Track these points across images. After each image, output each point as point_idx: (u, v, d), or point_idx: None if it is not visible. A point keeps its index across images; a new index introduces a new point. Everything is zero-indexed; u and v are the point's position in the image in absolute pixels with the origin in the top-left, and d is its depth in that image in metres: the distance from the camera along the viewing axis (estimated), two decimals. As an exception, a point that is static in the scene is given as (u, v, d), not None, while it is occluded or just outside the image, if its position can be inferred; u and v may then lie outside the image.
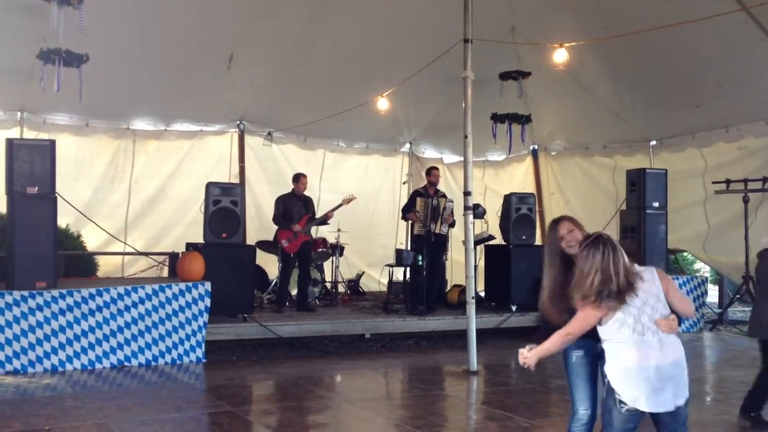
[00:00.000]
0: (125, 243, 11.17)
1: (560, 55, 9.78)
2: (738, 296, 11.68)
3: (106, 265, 11.37)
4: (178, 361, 8.17)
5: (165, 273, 10.98)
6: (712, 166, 11.51)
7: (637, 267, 3.78)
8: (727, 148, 11.40)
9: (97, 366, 7.80)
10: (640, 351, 3.67)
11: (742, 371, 7.74)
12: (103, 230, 10.81)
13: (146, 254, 11.23)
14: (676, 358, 3.70)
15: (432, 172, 10.72)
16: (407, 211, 10.47)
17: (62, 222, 9.71)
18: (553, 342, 3.88)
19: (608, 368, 3.77)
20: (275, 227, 10.42)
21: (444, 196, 10.56)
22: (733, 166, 11.17)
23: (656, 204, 10.77)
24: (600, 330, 3.79)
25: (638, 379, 3.66)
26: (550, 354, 3.92)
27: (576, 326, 3.80)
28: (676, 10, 8.98)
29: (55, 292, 7.63)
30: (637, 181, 10.90)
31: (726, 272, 12.24)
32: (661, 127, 12.16)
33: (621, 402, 3.70)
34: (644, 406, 3.66)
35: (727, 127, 11.30)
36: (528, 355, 3.90)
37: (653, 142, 12.64)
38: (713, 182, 11.20)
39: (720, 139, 11.49)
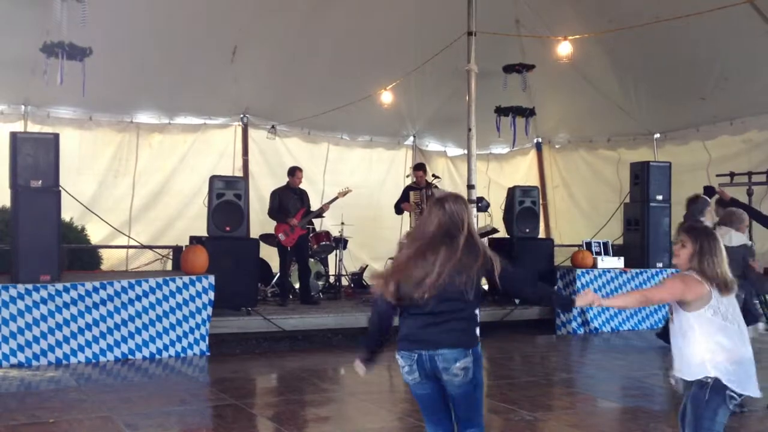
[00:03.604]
0: (129, 236, 11.19)
1: (564, 48, 9.75)
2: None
3: (110, 259, 11.38)
4: (182, 354, 8.19)
5: (169, 266, 10.98)
6: (716, 159, 11.48)
7: None
8: (732, 141, 11.38)
9: (101, 359, 7.82)
10: (742, 338, 3.75)
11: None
12: (107, 224, 10.82)
13: (150, 248, 11.24)
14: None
15: (416, 173, 10.75)
16: (399, 205, 10.51)
17: (66, 215, 9.71)
18: (627, 299, 3.92)
19: (712, 364, 3.71)
20: (275, 221, 10.42)
21: (437, 187, 10.55)
22: (737, 159, 11.14)
23: (660, 197, 10.76)
24: (687, 317, 3.76)
25: (750, 366, 3.74)
26: (617, 307, 3.93)
27: (660, 292, 3.86)
28: (680, 2, 8.94)
29: (59, 285, 7.65)
30: (640, 174, 10.88)
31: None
32: (665, 120, 12.13)
33: (732, 397, 3.71)
34: (755, 392, 3.73)
35: (731, 120, 11.27)
36: (598, 299, 3.74)
37: (657, 135, 12.61)
38: (717, 175, 11.15)
39: (724, 132, 11.46)
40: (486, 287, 10.95)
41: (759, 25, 9.23)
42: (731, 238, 6.34)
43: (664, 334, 6.56)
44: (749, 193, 10.59)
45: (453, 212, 3.59)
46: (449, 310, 3.53)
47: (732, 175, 10.93)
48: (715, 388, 3.69)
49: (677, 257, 3.90)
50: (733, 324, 3.77)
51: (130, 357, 7.97)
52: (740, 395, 3.73)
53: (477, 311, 3.74)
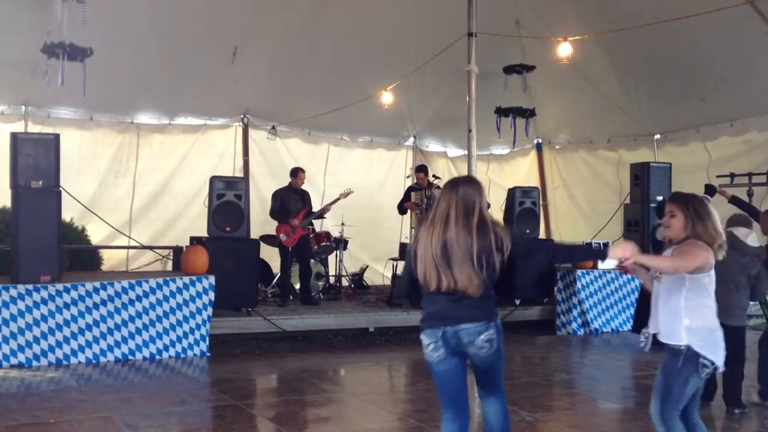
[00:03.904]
0: (129, 237, 11.20)
1: (564, 49, 9.77)
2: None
3: (110, 259, 11.40)
4: (182, 355, 8.19)
5: (169, 267, 11.00)
6: (716, 160, 11.47)
7: None
8: (732, 142, 11.37)
9: (102, 359, 7.82)
10: (714, 312, 3.83)
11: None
12: (108, 224, 10.83)
13: (150, 248, 11.26)
14: None
15: (417, 174, 10.77)
16: (402, 205, 10.53)
17: (66, 216, 9.73)
18: (659, 262, 3.86)
19: (689, 330, 3.77)
20: (276, 221, 10.42)
21: (438, 187, 10.56)
22: (737, 160, 11.12)
23: (660, 198, 10.75)
24: (683, 279, 3.79)
25: (720, 334, 3.82)
26: (653, 267, 3.85)
27: (693, 262, 3.75)
28: (680, 3, 8.95)
29: (60, 286, 7.65)
30: (641, 174, 10.88)
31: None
32: (665, 120, 12.12)
33: (705, 365, 3.75)
34: (721, 362, 3.80)
35: (731, 121, 11.26)
36: (634, 254, 3.69)
37: (657, 136, 12.60)
38: (717, 176, 11.14)
39: (724, 133, 11.45)
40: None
41: (759, 26, 9.23)
42: (754, 238, 6.31)
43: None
44: (749, 194, 10.56)
45: (466, 195, 3.71)
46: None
47: (732, 176, 10.91)
48: (688, 356, 3.73)
49: (669, 228, 3.89)
50: (714, 290, 3.82)
51: (130, 357, 7.96)
52: (712, 363, 3.76)
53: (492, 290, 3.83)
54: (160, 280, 8.18)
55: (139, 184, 11.74)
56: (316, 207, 10.82)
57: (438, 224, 3.69)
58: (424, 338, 3.78)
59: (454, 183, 3.81)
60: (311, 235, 10.90)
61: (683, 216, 3.83)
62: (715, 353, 3.76)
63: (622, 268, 3.77)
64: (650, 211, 10.64)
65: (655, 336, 3.96)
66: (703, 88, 10.80)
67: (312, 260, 10.87)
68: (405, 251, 3.93)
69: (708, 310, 3.82)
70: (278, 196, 10.43)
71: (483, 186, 3.87)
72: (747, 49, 9.80)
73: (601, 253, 3.82)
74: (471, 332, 3.68)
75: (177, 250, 10.50)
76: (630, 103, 11.92)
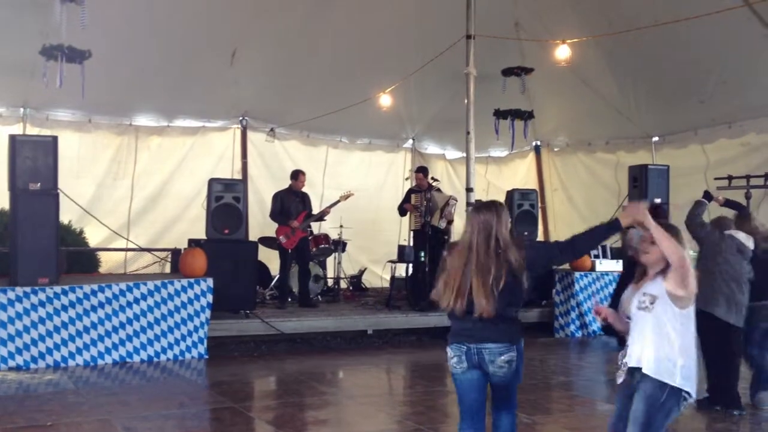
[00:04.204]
0: (128, 239, 11.19)
1: (563, 52, 9.78)
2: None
3: (108, 262, 11.38)
4: (181, 357, 8.18)
5: (167, 269, 10.98)
6: (714, 162, 11.47)
7: None
8: (730, 144, 11.37)
9: (100, 362, 7.82)
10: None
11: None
12: (106, 226, 10.82)
13: (149, 250, 11.25)
14: None
15: (416, 175, 10.78)
16: (402, 207, 10.53)
17: (64, 218, 9.72)
18: (668, 243, 3.67)
19: (680, 369, 3.69)
20: (275, 224, 10.41)
21: (439, 189, 10.56)
22: (735, 163, 11.12)
23: (658, 200, 10.76)
24: (674, 312, 3.70)
25: (696, 368, 3.78)
26: (657, 238, 3.72)
27: (689, 274, 3.64)
28: (679, 6, 8.96)
29: (58, 288, 7.65)
30: (639, 177, 10.88)
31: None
32: (663, 123, 12.13)
33: (685, 399, 3.72)
34: (695, 391, 3.75)
35: (729, 123, 11.25)
36: (646, 215, 3.73)
37: (656, 138, 12.60)
38: (715, 178, 11.15)
39: (722, 135, 11.45)
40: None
41: (757, 29, 9.24)
42: (751, 241, 6.41)
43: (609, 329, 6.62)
44: (747, 197, 10.57)
45: (486, 221, 3.91)
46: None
47: (730, 178, 10.92)
48: (673, 391, 3.67)
49: (647, 254, 3.79)
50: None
51: (128, 360, 7.96)
52: (690, 394, 3.71)
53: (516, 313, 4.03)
54: (158, 283, 8.18)
55: (138, 186, 11.71)
56: (315, 209, 10.81)
57: (463, 250, 3.89)
58: (450, 351, 4.00)
59: (477, 209, 4.04)
60: (310, 237, 10.90)
61: None
62: (692, 384, 3.71)
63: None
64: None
65: (607, 327, 3.93)
66: (702, 91, 10.80)
67: (310, 262, 10.86)
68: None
69: (693, 344, 3.75)
70: (278, 198, 10.42)
71: (502, 209, 4.00)
72: (745, 52, 9.81)
73: (616, 223, 3.89)
74: (493, 352, 3.88)
75: (175, 253, 10.49)
76: (628, 105, 11.93)
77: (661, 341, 3.69)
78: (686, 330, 3.72)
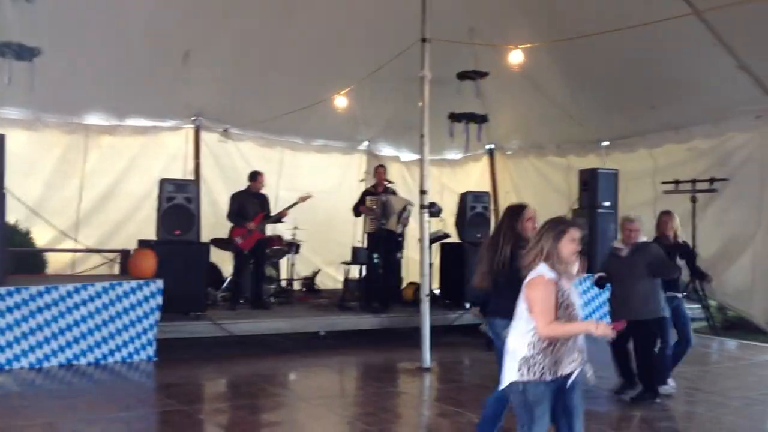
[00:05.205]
0: (76, 240, 10.99)
1: (516, 57, 9.88)
2: (685, 293, 11.90)
3: (56, 263, 11.16)
4: (129, 360, 8.07)
5: (116, 270, 10.82)
6: (662, 167, 11.71)
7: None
8: (677, 149, 11.61)
9: (46, 365, 7.67)
10: None
11: (692, 367, 7.91)
12: (53, 227, 10.62)
13: (97, 251, 11.08)
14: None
15: (377, 170, 10.80)
16: (357, 208, 10.52)
17: (11, 218, 9.53)
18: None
19: None
20: (231, 224, 10.33)
21: (394, 192, 10.59)
22: (682, 167, 11.38)
23: (607, 203, 10.97)
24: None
25: None
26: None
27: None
28: (630, 13, 9.12)
29: (3, 290, 7.48)
30: (589, 180, 11.09)
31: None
32: (613, 127, 12.32)
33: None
34: None
35: (676, 129, 11.50)
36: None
37: (605, 143, 12.81)
38: (662, 182, 11.41)
39: (670, 141, 11.68)
40: (438, 291, 11.10)
41: (705, 37, 9.45)
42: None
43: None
44: (693, 200, 10.85)
45: (500, 221, 5.44)
46: (496, 291, 5.06)
47: (677, 182, 11.19)
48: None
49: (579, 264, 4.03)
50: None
51: (75, 363, 7.82)
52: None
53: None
54: (107, 284, 8.06)
55: (87, 186, 11.49)
56: (273, 211, 10.76)
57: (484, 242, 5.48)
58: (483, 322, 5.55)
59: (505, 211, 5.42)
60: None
61: None
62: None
63: None
64: (598, 217, 10.85)
65: None
66: (651, 97, 11.01)
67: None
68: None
69: None
70: (236, 199, 10.34)
71: (514, 211, 5.28)
72: (693, 59, 10.02)
73: None
74: (498, 324, 4.91)
75: (125, 254, 10.34)
76: (579, 110, 12.09)
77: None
78: None
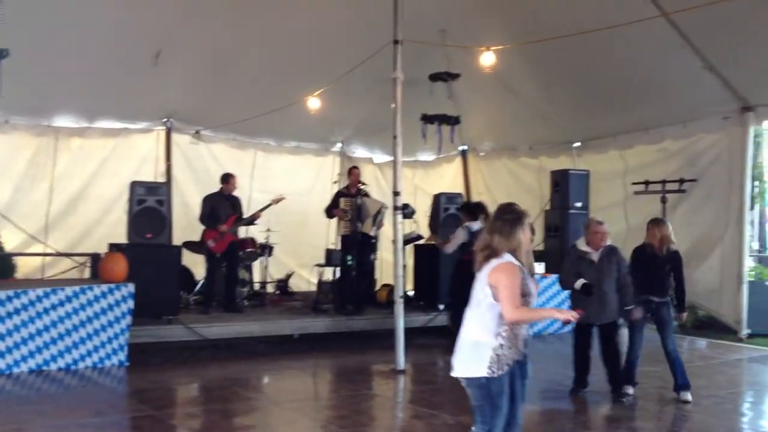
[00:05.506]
0: (45, 244, 10.85)
1: (487, 58, 9.93)
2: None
3: (25, 267, 10.99)
4: (100, 365, 7.98)
5: (87, 274, 10.69)
6: (632, 167, 11.83)
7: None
8: (647, 150, 11.73)
9: (15, 370, 7.55)
10: None
11: (659, 366, 7.99)
12: (23, 230, 10.47)
13: (67, 255, 10.93)
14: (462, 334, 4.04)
15: (352, 171, 10.79)
16: (331, 210, 10.50)
17: (-21, 222, 9.37)
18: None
19: None
20: (203, 227, 10.26)
21: (367, 195, 10.58)
22: (652, 168, 11.50)
23: (579, 204, 11.07)
24: None
25: None
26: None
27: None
28: (600, 15, 9.21)
29: (-30, 295, 7.37)
30: (560, 181, 11.18)
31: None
32: (584, 129, 12.44)
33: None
34: None
35: (647, 130, 11.63)
36: None
37: (577, 144, 12.92)
38: (633, 183, 11.52)
39: (640, 142, 11.81)
40: (412, 293, 11.12)
41: (674, 39, 9.57)
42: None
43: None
44: (663, 201, 10.97)
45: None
46: None
47: (647, 183, 11.31)
48: None
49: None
50: None
51: (45, 368, 7.72)
52: None
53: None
54: (77, 289, 7.97)
55: (57, 189, 11.34)
56: (245, 214, 10.70)
57: None
58: None
59: None
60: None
61: None
62: None
63: None
64: (569, 217, 10.94)
65: None
66: (622, 98, 11.12)
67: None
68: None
69: None
70: (208, 201, 10.27)
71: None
72: (662, 61, 10.14)
73: None
74: None
75: (95, 258, 10.22)
76: (551, 111, 12.19)
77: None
78: None
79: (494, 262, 3.90)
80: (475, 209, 9.40)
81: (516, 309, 3.81)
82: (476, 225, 9.01)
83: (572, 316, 3.92)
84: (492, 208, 14.13)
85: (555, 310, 4.04)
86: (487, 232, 4.03)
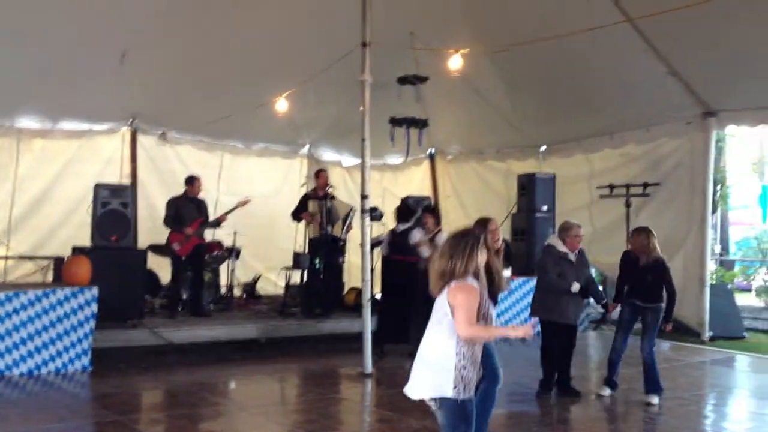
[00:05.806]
0: (7, 246, 10.65)
1: (455, 62, 9.96)
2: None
3: (-15, 270, 10.79)
4: (63, 370, 7.86)
5: (50, 278, 10.51)
6: (597, 171, 11.98)
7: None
8: (612, 154, 11.89)
9: (-25, 376, 7.41)
10: None
11: (627, 369, 8.08)
12: (-17, 233, 10.27)
13: (29, 258, 10.74)
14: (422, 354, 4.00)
15: (320, 174, 10.77)
16: (298, 213, 10.45)
17: (-62, 224, 9.17)
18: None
19: None
20: (168, 230, 10.15)
21: (333, 197, 10.56)
22: (616, 172, 11.66)
23: (545, 207, 11.16)
24: None
25: None
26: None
27: None
28: (565, 20, 9.30)
29: (-72, 299, 7.20)
30: (527, 185, 11.27)
31: (609, 272, 12.72)
32: (550, 132, 12.55)
33: None
34: None
35: (611, 134, 11.77)
36: None
37: (543, 148, 13.03)
38: (598, 187, 11.65)
39: (605, 146, 11.96)
40: (379, 296, 11.13)
41: (638, 44, 9.70)
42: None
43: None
44: (627, 205, 11.12)
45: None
46: None
47: (611, 187, 11.45)
48: None
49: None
50: None
51: (6, 373, 7.57)
52: None
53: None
54: (40, 292, 7.84)
55: (19, 190, 11.12)
56: (211, 216, 10.61)
57: None
58: None
59: None
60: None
61: None
62: None
63: None
64: (536, 221, 11.03)
65: None
66: (587, 102, 11.24)
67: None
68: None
69: None
70: (173, 204, 10.17)
71: (482, 224, 5.79)
72: (626, 65, 10.27)
73: None
74: None
75: (58, 261, 10.06)
76: (518, 115, 12.28)
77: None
78: None
79: (453, 284, 3.92)
80: (406, 212, 9.84)
81: (470, 326, 3.82)
82: (402, 227, 9.44)
83: (526, 333, 3.92)
84: (460, 212, 14.32)
85: (510, 328, 4.07)
86: (443, 258, 4.00)
